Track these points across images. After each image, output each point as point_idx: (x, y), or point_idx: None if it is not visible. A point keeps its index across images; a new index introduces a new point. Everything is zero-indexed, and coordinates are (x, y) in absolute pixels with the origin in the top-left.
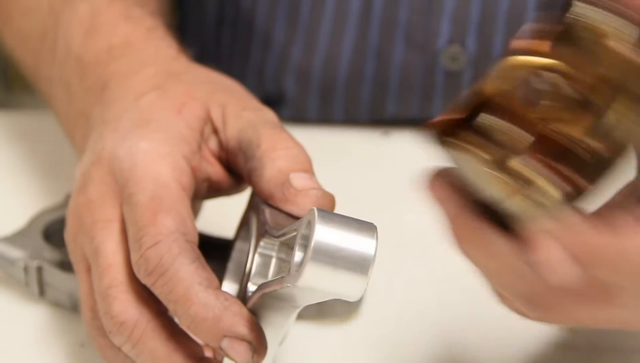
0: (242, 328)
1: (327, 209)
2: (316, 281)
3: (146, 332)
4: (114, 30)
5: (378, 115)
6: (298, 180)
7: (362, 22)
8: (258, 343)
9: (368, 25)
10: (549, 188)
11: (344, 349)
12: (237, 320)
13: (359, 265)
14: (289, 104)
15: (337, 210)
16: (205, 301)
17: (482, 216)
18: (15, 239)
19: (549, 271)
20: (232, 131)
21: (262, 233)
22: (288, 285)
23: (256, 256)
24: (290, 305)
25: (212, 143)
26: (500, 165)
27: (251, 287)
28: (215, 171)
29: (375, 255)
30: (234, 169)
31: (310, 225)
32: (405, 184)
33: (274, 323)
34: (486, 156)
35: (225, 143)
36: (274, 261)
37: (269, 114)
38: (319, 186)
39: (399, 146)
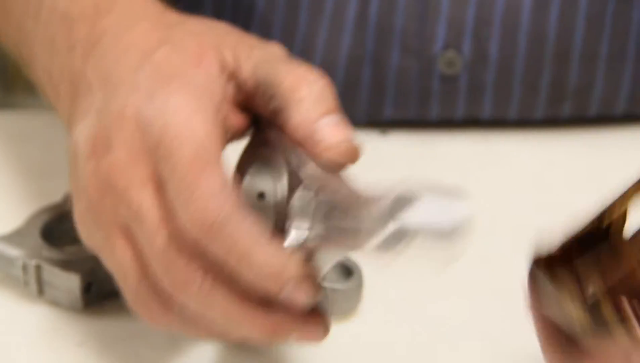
0: (304, 271)
1: (354, 159)
2: (417, 251)
3: (215, 282)
4: None
5: (375, 118)
6: (326, 130)
7: (358, 29)
8: (317, 282)
9: (364, 31)
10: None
11: (343, 347)
12: (299, 265)
13: (458, 231)
14: None
15: None
16: (270, 252)
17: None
18: (13, 238)
19: None
20: (247, 72)
21: (296, 185)
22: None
23: (292, 203)
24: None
25: (230, 89)
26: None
27: (293, 234)
28: (237, 118)
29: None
30: (253, 110)
31: (402, 201)
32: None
33: (325, 261)
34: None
35: (242, 85)
36: (313, 203)
37: (277, 48)
38: (346, 136)
39: (396, 145)
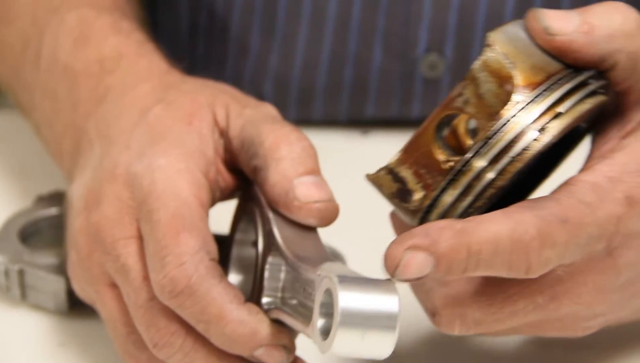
0: (277, 337)
1: (330, 220)
2: (347, 346)
3: (196, 343)
4: (104, 41)
5: (357, 117)
6: (302, 189)
7: (340, 30)
8: (291, 345)
9: (346, 32)
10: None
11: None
12: (270, 331)
13: (387, 324)
14: None
15: None
16: (240, 319)
17: None
18: None
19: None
20: (234, 131)
21: (270, 247)
22: (315, 341)
23: (266, 266)
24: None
25: (220, 147)
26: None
27: (265, 300)
28: (225, 177)
29: (400, 312)
30: (239, 168)
31: (330, 293)
32: None
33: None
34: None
35: (229, 143)
36: (283, 269)
37: (269, 109)
38: (322, 196)
39: (378, 145)
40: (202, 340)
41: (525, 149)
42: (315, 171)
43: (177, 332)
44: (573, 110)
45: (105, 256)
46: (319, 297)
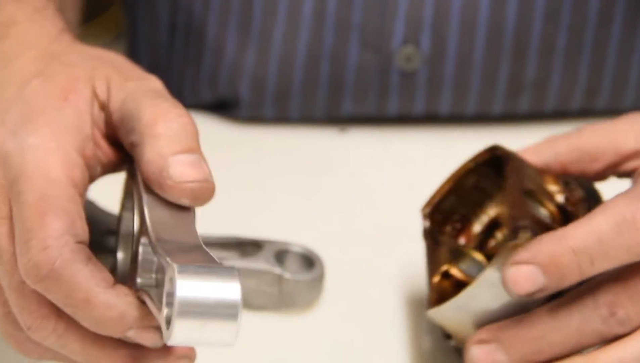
0: (148, 319)
1: (204, 200)
2: (188, 336)
3: (69, 324)
4: (1, 8)
5: (334, 113)
6: (176, 168)
7: (315, 26)
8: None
9: (322, 28)
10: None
11: (304, 338)
12: (141, 312)
13: (228, 312)
14: (244, 106)
15: (295, 209)
16: (108, 302)
17: None
18: None
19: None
20: (115, 104)
21: (142, 228)
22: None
23: (140, 247)
24: None
25: (101, 121)
26: None
27: (139, 280)
28: (106, 152)
29: (241, 299)
30: (120, 143)
31: (172, 282)
32: (362, 180)
33: None
34: None
35: (109, 117)
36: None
37: (153, 82)
38: (197, 176)
39: (355, 143)
40: (75, 322)
41: None
42: (193, 149)
43: (49, 315)
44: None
45: None
46: (166, 286)
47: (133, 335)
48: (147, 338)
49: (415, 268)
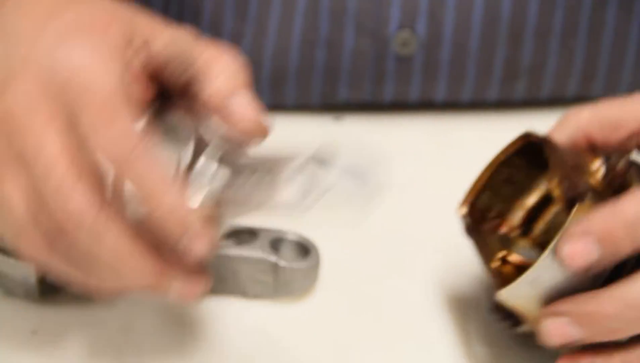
0: (206, 222)
1: (261, 138)
2: None
3: (109, 218)
4: None
5: (330, 100)
6: (240, 103)
7: (310, 12)
8: (214, 238)
9: (317, 14)
10: None
11: (299, 326)
12: (202, 215)
13: None
14: None
15: None
16: (177, 196)
17: None
18: None
19: None
20: (158, 46)
21: (203, 149)
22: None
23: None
24: None
25: (137, 62)
26: None
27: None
28: (140, 89)
29: None
30: (161, 83)
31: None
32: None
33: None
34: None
35: (152, 58)
36: (215, 168)
37: (189, 30)
38: (257, 113)
39: (351, 131)
40: (116, 217)
41: None
42: (249, 87)
43: (94, 203)
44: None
45: (11, 138)
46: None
47: (191, 236)
48: (200, 244)
49: (410, 255)
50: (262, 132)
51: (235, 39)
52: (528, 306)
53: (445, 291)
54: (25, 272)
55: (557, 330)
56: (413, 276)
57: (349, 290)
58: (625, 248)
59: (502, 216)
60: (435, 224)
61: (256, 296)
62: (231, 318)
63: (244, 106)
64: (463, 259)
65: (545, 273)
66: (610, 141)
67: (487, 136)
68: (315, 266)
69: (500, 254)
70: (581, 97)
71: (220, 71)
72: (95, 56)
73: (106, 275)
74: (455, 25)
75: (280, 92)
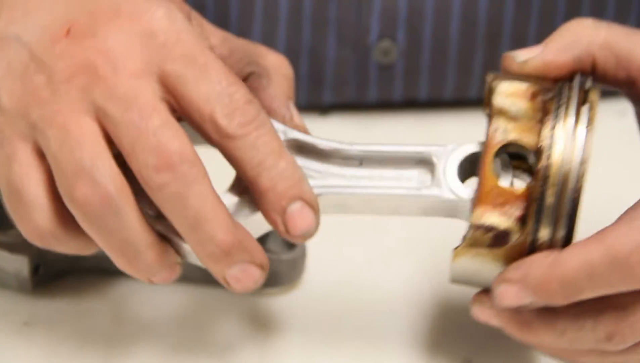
0: (314, 197)
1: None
2: None
3: (202, 175)
4: None
5: (315, 103)
6: (295, 112)
7: (293, 22)
8: (318, 214)
9: (299, 24)
10: None
11: (287, 317)
12: (308, 184)
13: None
14: None
15: None
16: (292, 161)
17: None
18: None
19: None
20: (217, 40)
21: None
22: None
23: None
24: None
25: None
26: None
27: None
28: None
29: None
30: None
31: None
32: None
33: None
34: None
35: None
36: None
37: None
38: (302, 122)
39: (336, 126)
40: (204, 177)
41: (585, 143)
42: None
43: (186, 156)
44: (594, 96)
45: (95, 82)
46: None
47: (297, 208)
48: (305, 216)
49: (395, 246)
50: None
51: None
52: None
53: (430, 281)
54: (18, 265)
55: (507, 295)
56: (398, 266)
57: (335, 281)
58: (558, 301)
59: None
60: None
61: None
62: (219, 308)
63: (298, 115)
64: (448, 249)
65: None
66: (611, 77)
67: (469, 131)
68: (302, 257)
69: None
70: None
71: (286, 75)
72: (177, 13)
73: (187, 229)
74: (434, 32)
75: None
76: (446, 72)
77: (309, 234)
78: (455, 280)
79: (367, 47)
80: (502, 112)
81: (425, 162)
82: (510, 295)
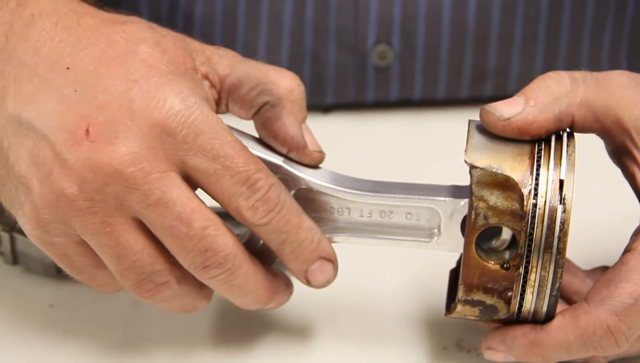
0: (332, 250)
1: (319, 164)
2: None
3: (243, 260)
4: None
5: (317, 104)
6: (307, 136)
7: (296, 31)
8: (336, 263)
9: (302, 32)
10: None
11: (290, 304)
12: (328, 242)
13: None
14: None
15: None
16: (310, 226)
17: None
18: None
19: None
20: (223, 70)
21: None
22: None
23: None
24: None
25: (207, 88)
26: None
27: None
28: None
29: None
30: (228, 105)
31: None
32: (343, 158)
33: None
34: None
35: (218, 82)
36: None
37: (231, 51)
38: (318, 147)
39: (337, 123)
40: (246, 262)
41: (562, 223)
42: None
43: (231, 254)
44: (570, 167)
45: (128, 192)
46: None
47: (317, 267)
48: (326, 272)
49: None
50: (323, 160)
51: None
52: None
53: (429, 267)
54: (43, 252)
55: (496, 356)
56: (394, 256)
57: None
58: None
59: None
60: None
61: None
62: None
63: (311, 138)
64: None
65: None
66: (589, 128)
67: (460, 129)
68: None
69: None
70: None
71: (297, 99)
72: (202, 101)
73: (230, 295)
74: (427, 37)
75: None
76: (438, 73)
77: (329, 283)
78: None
79: (364, 51)
80: (482, 200)
81: (432, 212)
82: (498, 356)
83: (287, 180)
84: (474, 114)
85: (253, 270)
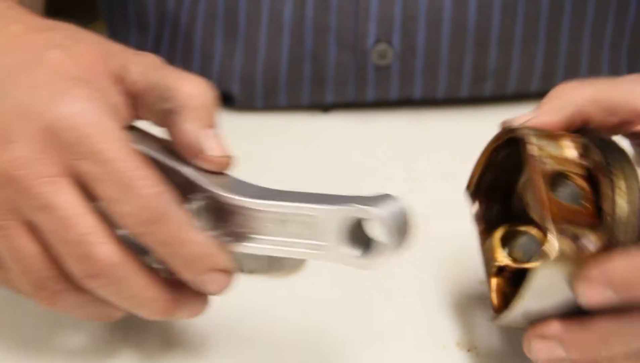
0: (227, 261)
1: (226, 169)
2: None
3: (133, 271)
4: None
5: (318, 103)
6: (210, 141)
7: (296, 30)
8: (233, 271)
9: (302, 32)
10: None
11: (289, 302)
12: (222, 253)
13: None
14: (236, 101)
15: (288, 182)
16: (199, 240)
17: None
18: None
19: None
20: (136, 75)
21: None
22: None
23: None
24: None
25: (121, 94)
26: None
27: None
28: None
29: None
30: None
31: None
32: (343, 156)
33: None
34: None
35: (130, 87)
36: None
37: (155, 57)
38: (222, 151)
39: (337, 122)
40: (135, 272)
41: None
42: (215, 122)
43: (115, 264)
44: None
45: (20, 195)
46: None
47: (210, 278)
48: (220, 281)
49: None
50: (227, 165)
51: (227, 59)
52: (520, 324)
53: (429, 266)
54: None
55: (544, 351)
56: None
57: (338, 267)
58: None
59: (510, 195)
60: (415, 204)
61: (251, 271)
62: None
63: (213, 143)
64: (446, 241)
65: (532, 302)
66: (605, 125)
67: (460, 128)
68: None
69: (498, 263)
70: (544, 93)
71: (201, 105)
72: (97, 106)
73: (123, 306)
74: (427, 36)
75: (273, 98)
76: (438, 73)
77: (225, 291)
78: (513, 316)
79: (365, 51)
80: (542, 149)
81: (315, 220)
82: (597, 294)
83: (196, 189)
84: (474, 114)
85: (145, 281)
